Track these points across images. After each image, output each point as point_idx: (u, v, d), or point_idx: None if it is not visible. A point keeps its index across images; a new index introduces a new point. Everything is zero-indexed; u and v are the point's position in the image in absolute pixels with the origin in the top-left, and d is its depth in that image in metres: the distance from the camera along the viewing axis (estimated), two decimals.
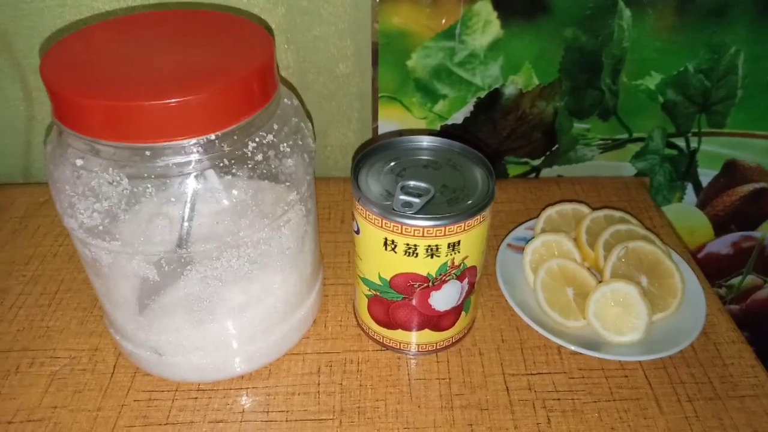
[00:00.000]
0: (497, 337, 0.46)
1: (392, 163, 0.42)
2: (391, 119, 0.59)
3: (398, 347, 0.44)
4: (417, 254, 0.38)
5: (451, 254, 0.38)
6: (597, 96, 0.58)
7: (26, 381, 0.42)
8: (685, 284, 0.46)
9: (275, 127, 0.35)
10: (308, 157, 0.38)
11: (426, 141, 0.43)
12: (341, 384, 0.42)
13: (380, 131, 0.60)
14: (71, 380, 0.42)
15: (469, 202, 0.38)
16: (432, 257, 0.38)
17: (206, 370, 0.41)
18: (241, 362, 0.41)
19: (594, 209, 0.52)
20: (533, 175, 0.64)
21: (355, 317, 0.47)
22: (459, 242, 0.38)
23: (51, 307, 0.48)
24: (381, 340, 0.45)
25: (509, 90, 0.58)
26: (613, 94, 0.58)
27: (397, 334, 0.43)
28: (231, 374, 0.42)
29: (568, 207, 0.53)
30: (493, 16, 0.53)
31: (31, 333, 0.46)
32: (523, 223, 0.54)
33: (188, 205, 0.33)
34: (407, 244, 0.38)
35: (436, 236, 0.37)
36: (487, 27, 0.54)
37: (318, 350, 0.45)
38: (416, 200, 0.38)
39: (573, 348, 0.43)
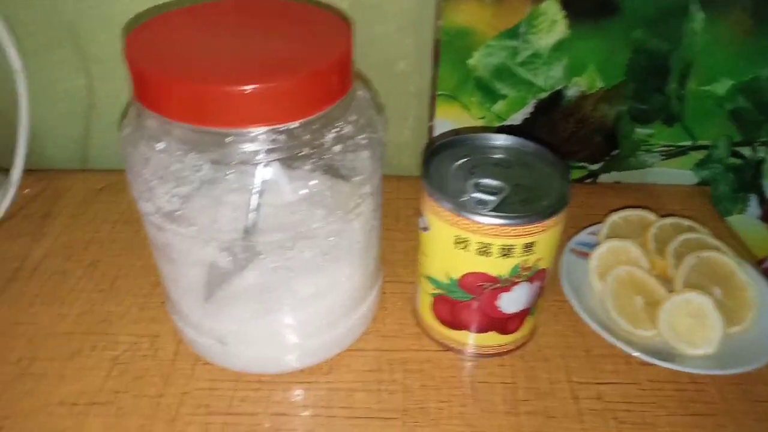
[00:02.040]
0: (562, 343, 0.45)
1: (462, 160, 0.41)
2: (447, 118, 0.58)
3: (461, 348, 0.43)
4: (490, 254, 0.37)
5: (524, 255, 0.37)
6: (662, 101, 0.57)
7: (89, 364, 0.42)
8: (761, 298, 0.44)
9: (352, 118, 0.35)
10: (380, 150, 0.37)
11: (498, 139, 0.42)
12: (403, 383, 0.42)
13: (436, 130, 0.59)
14: (133, 366, 0.42)
15: (545, 202, 0.37)
16: (505, 257, 0.37)
17: (268, 362, 0.41)
18: (303, 355, 0.41)
19: (660, 216, 0.51)
20: (590, 180, 0.63)
21: (415, 316, 0.46)
22: (534, 243, 0.37)
23: (111, 293, 0.48)
24: (443, 341, 0.44)
25: (571, 92, 0.56)
26: (680, 99, 0.57)
27: (461, 335, 0.43)
28: (292, 367, 0.41)
29: (633, 213, 0.51)
30: (560, 15, 0.52)
31: (92, 317, 0.46)
32: (585, 228, 0.53)
33: (259, 194, 0.32)
34: (480, 243, 0.37)
35: (511, 236, 0.36)
36: (553, 27, 0.53)
37: (378, 347, 0.44)
38: (491, 198, 0.38)
39: (645, 358, 0.42)
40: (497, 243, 0.37)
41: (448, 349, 0.44)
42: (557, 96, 0.56)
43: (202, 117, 0.30)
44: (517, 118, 0.58)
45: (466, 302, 0.40)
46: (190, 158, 0.31)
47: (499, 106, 0.57)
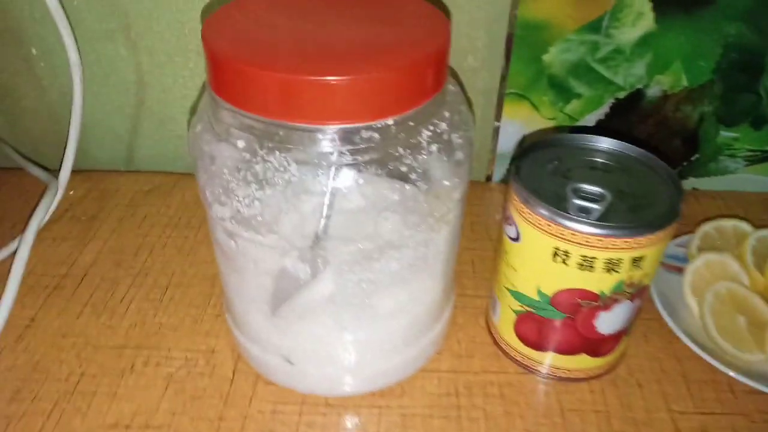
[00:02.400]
0: (656, 367, 0.41)
1: (555, 163, 0.37)
2: (515, 118, 0.54)
3: (546, 371, 0.39)
4: (593, 268, 0.33)
5: (631, 270, 0.33)
6: (752, 102, 0.52)
7: (142, 382, 0.39)
8: None
9: (446, 114, 0.31)
10: (472, 150, 0.34)
11: (595, 140, 0.38)
12: (484, 409, 0.38)
13: (502, 131, 0.55)
14: (189, 384, 0.39)
15: (654, 212, 0.33)
16: (609, 272, 0.33)
17: (338, 384, 0.37)
18: (376, 377, 0.37)
19: (757, 227, 0.46)
20: None
21: (490, 333, 0.42)
22: (643, 257, 0.33)
23: (163, 303, 0.45)
24: (525, 362, 0.40)
25: (652, 91, 0.52)
26: None
27: (546, 357, 0.39)
28: (363, 390, 0.38)
29: (727, 224, 0.47)
30: (647, 7, 0.48)
31: (144, 329, 0.43)
32: (673, 239, 0.48)
33: (343, 198, 0.29)
34: (583, 257, 0.33)
35: (619, 248, 0.32)
36: (638, 20, 0.49)
37: (453, 368, 0.40)
38: (594, 206, 0.34)
39: (754, 385, 0.37)
40: (602, 256, 0.33)
41: (530, 371, 0.40)
42: (637, 96, 0.52)
43: (289, 111, 0.27)
44: (590, 119, 0.54)
45: (558, 321, 0.36)
46: (275, 158, 0.28)
47: (573, 106, 0.53)
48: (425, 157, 0.29)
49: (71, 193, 0.55)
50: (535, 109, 0.54)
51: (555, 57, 0.51)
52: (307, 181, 0.28)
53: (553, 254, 0.34)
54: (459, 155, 0.31)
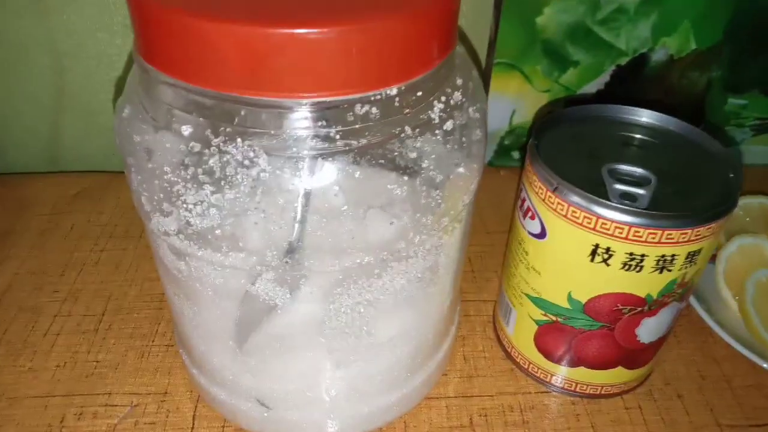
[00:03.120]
0: (694, 373, 0.35)
1: (579, 141, 0.30)
2: (505, 92, 0.48)
3: (572, 389, 0.33)
4: (641, 268, 0.27)
5: (685, 268, 0.27)
6: (763, 66, 0.47)
7: None
8: None
9: (458, 82, 0.24)
10: (487, 128, 0.27)
11: (627, 112, 0.31)
12: None
13: (490, 107, 0.48)
14: None
15: (708, 197, 0.27)
16: (661, 272, 0.27)
17: (326, 427, 0.30)
18: (372, 415, 0.30)
19: None
20: None
21: (502, 346, 0.36)
22: (699, 251, 0.27)
23: (99, 334, 0.36)
24: (548, 380, 0.33)
25: (657, 55, 0.46)
26: None
27: (576, 373, 0.32)
28: (358, 431, 0.31)
29: (753, 201, 0.42)
30: None
31: (75, 370, 0.34)
32: None
33: (312, 198, 0.21)
34: (630, 254, 0.26)
35: (675, 242, 0.26)
36: None
37: (463, 392, 0.34)
38: (639, 191, 0.27)
39: None
40: (654, 254, 0.26)
41: (554, 389, 0.34)
42: (640, 61, 0.46)
43: (255, 81, 0.19)
44: (589, 89, 0.48)
45: (592, 332, 0.30)
46: (236, 147, 0.20)
47: (569, 75, 0.47)
48: (438, 137, 0.22)
49: None
50: (527, 80, 0.47)
51: (550, 19, 0.44)
52: (282, 177, 0.20)
53: (592, 253, 0.27)
54: (477, 134, 0.24)
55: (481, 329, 0.37)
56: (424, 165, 0.22)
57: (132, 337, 0.36)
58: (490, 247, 0.43)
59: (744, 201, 0.42)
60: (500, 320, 0.36)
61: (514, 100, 0.48)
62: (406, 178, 0.22)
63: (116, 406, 0.32)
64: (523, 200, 0.30)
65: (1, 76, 0.46)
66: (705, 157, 0.30)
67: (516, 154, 0.51)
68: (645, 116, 0.31)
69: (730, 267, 0.37)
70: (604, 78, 0.47)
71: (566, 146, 0.30)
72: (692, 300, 0.37)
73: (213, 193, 0.20)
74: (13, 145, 0.50)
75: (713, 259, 0.38)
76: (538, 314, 0.31)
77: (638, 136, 0.31)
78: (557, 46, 0.45)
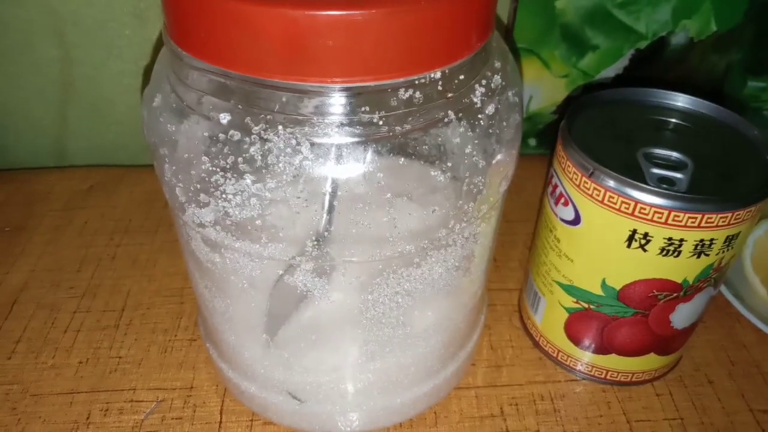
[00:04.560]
0: (723, 358, 0.35)
1: (613, 125, 0.30)
2: (523, 78, 0.47)
3: (603, 376, 0.33)
4: (679, 253, 0.26)
5: (723, 252, 0.27)
6: None
7: None
8: None
9: (497, 65, 0.23)
10: (523, 112, 0.26)
11: (659, 95, 0.31)
12: (539, 431, 0.31)
13: None
14: None
15: (747, 180, 0.27)
16: (698, 257, 0.27)
17: (359, 419, 0.29)
18: (404, 406, 0.30)
19: None
20: None
21: (530, 335, 0.35)
22: (737, 235, 0.27)
23: (120, 330, 0.36)
24: (576, 367, 0.33)
25: (677, 39, 0.46)
26: None
27: (607, 360, 0.32)
28: (389, 423, 0.30)
29: None
30: None
31: (98, 366, 0.34)
32: None
33: (357, 186, 0.21)
34: (668, 240, 0.26)
35: (715, 226, 0.26)
36: None
37: (492, 382, 0.33)
38: (677, 175, 0.27)
39: None
40: (692, 238, 0.26)
41: (583, 377, 0.33)
42: (660, 45, 0.46)
43: (297, 66, 0.18)
44: (608, 74, 0.47)
45: (626, 319, 0.30)
46: (278, 135, 0.19)
47: (588, 60, 0.46)
48: (481, 122, 0.22)
49: None
50: (545, 66, 0.46)
51: (569, 3, 0.43)
52: (325, 165, 0.19)
53: (629, 238, 0.27)
54: (516, 118, 0.24)
55: (506, 318, 0.37)
56: (466, 151, 0.21)
57: (154, 332, 0.35)
58: (512, 236, 0.43)
59: None
60: (527, 309, 0.35)
61: (531, 87, 0.48)
62: (449, 164, 0.21)
63: (142, 401, 0.32)
64: (555, 186, 0.30)
65: (6, 68, 0.45)
66: (741, 142, 0.29)
67: (533, 141, 0.50)
68: (680, 100, 0.30)
69: (758, 251, 0.37)
70: (623, 62, 0.47)
71: (598, 130, 0.29)
72: (722, 287, 0.36)
73: (254, 182, 0.19)
74: (20, 139, 0.49)
75: None
76: (570, 302, 0.31)
77: (673, 120, 0.30)
78: (576, 31, 0.45)
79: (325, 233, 0.21)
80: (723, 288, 0.36)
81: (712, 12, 0.44)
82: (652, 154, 0.28)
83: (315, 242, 0.21)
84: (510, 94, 0.23)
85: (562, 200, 0.29)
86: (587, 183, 0.27)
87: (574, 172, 0.28)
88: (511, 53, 0.25)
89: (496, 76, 0.22)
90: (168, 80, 0.22)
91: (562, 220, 0.29)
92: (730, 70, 0.48)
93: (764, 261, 0.37)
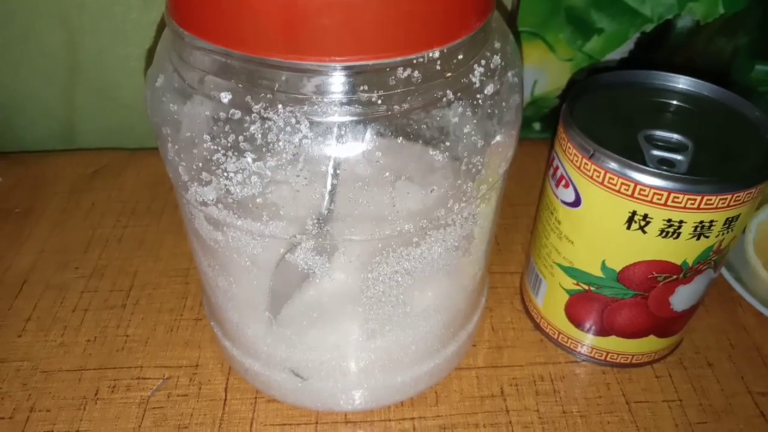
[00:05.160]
0: (723, 341, 0.35)
1: (616, 108, 0.30)
2: (528, 62, 0.47)
3: (603, 358, 0.33)
4: (678, 234, 0.27)
5: (723, 234, 0.27)
6: None
7: (111, 412, 0.31)
8: None
9: (497, 45, 0.23)
10: (523, 93, 0.26)
11: (660, 78, 0.31)
12: (538, 411, 0.31)
13: None
14: (171, 411, 0.31)
15: (749, 162, 0.27)
16: (698, 239, 0.27)
17: (361, 397, 0.30)
18: (405, 385, 0.30)
19: None
20: None
21: (531, 317, 0.36)
22: (737, 217, 0.27)
23: (127, 309, 0.36)
24: (579, 349, 0.33)
25: (683, 22, 0.45)
26: None
27: (607, 342, 0.32)
28: (390, 401, 0.31)
29: None
30: None
31: (106, 345, 0.34)
32: None
33: (358, 166, 0.21)
34: (668, 221, 0.26)
35: (714, 208, 0.26)
36: None
37: (493, 363, 0.34)
38: (677, 157, 0.27)
39: None
40: (693, 219, 0.26)
41: (584, 358, 0.34)
42: (665, 28, 0.45)
43: (297, 44, 0.18)
44: (613, 58, 0.47)
45: (626, 300, 0.30)
46: (278, 114, 0.19)
47: (593, 43, 0.46)
48: (479, 102, 0.22)
49: None
50: (550, 49, 0.46)
51: None
52: (325, 143, 0.20)
53: (629, 220, 0.27)
54: (516, 99, 0.24)
55: (508, 301, 0.37)
56: (465, 131, 0.22)
57: (160, 311, 0.36)
58: (514, 219, 0.43)
59: None
60: (528, 291, 0.35)
61: (536, 70, 0.47)
62: (447, 143, 0.21)
63: (148, 379, 0.33)
64: (556, 168, 0.30)
65: (14, 52, 0.45)
66: (743, 123, 0.29)
67: (537, 126, 0.50)
68: (681, 82, 0.30)
69: (761, 236, 0.37)
70: (629, 46, 0.46)
71: (600, 112, 0.29)
72: (723, 270, 0.36)
73: (255, 160, 0.20)
74: (28, 123, 0.50)
75: None
76: (570, 284, 0.31)
77: (674, 102, 0.30)
78: (581, 13, 0.44)
79: (326, 212, 0.21)
80: (724, 271, 0.36)
81: None
82: (653, 136, 0.28)
83: (315, 221, 0.22)
84: (510, 74, 0.23)
85: (563, 182, 0.29)
86: (588, 164, 0.27)
87: (575, 154, 0.28)
88: (512, 34, 0.25)
89: (495, 56, 0.23)
90: (170, 60, 0.22)
91: (563, 202, 0.30)
92: (737, 54, 0.47)
93: (767, 245, 0.37)
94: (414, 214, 0.22)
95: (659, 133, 0.28)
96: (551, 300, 0.33)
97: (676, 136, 0.28)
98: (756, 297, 0.35)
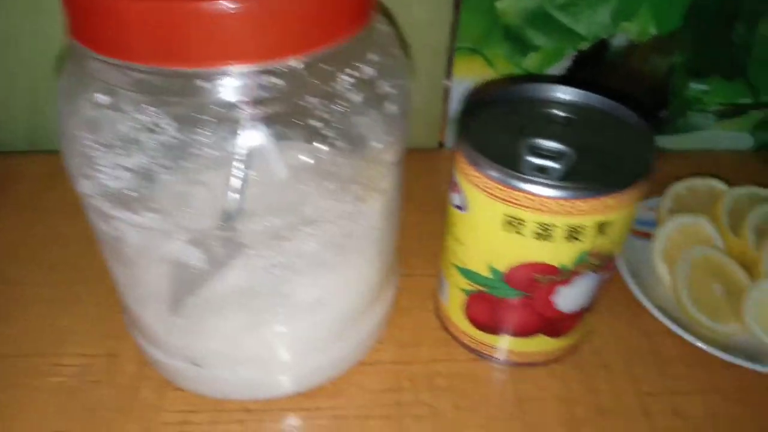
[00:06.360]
0: (623, 345, 0.36)
1: (508, 119, 0.31)
2: (468, 76, 0.49)
3: (502, 357, 0.34)
4: (551, 238, 0.28)
5: (596, 238, 0.28)
6: (725, 50, 0.48)
7: (25, 397, 0.33)
8: None
9: (373, 58, 0.25)
10: (408, 105, 0.28)
11: (554, 90, 0.32)
12: (431, 405, 0.33)
13: (453, 91, 0.49)
14: (82, 395, 0.33)
15: (623, 169, 0.28)
16: (571, 241, 0.28)
17: (258, 386, 0.31)
18: (302, 376, 0.32)
19: (732, 186, 0.42)
20: None
21: (439, 318, 0.37)
22: (608, 223, 0.28)
23: (68, 302, 0.38)
24: (477, 348, 0.35)
25: (618, 41, 0.47)
26: (745, 48, 0.48)
27: (501, 341, 0.34)
28: (287, 391, 0.32)
29: (699, 183, 0.42)
30: None
31: (34, 334, 0.36)
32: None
33: (246, 164, 0.23)
34: (541, 224, 0.28)
35: (582, 213, 0.27)
36: None
37: (396, 359, 0.35)
38: (554, 164, 0.28)
39: (728, 358, 0.33)
40: (562, 223, 0.27)
41: (484, 357, 0.35)
42: (600, 47, 0.47)
43: (159, 52, 0.20)
44: (552, 74, 0.49)
45: (513, 300, 0.31)
46: (144, 114, 0.21)
47: (531, 60, 0.48)
48: (346, 109, 0.23)
49: None
50: (489, 64, 0.48)
51: (510, 5, 0.45)
52: (192, 143, 0.22)
53: (506, 223, 0.28)
54: (391, 108, 0.25)
55: (422, 303, 0.39)
56: (330, 135, 0.23)
57: (87, 304, 0.38)
58: (435, 226, 0.44)
59: (691, 182, 0.42)
60: (438, 293, 0.37)
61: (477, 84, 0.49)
62: (314, 144, 0.23)
63: (65, 365, 0.34)
64: (452, 176, 0.31)
65: None
66: (624, 131, 0.31)
67: None
68: (568, 94, 0.32)
69: (668, 245, 0.38)
70: (566, 63, 0.48)
71: (494, 124, 0.31)
72: (626, 276, 0.38)
73: (124, 157, 0.22)
74: None
75: (650, 237, 0.39)
76: (466, 284, 0.33)
77: (562, 113, 0.32)
78: (517, 31, 0.46)
79: (234, 209, 0.23)
80: (629, 279, 0.38)
81: (650, 16, 0.46)
82: (535, 145, 0.29)
83: (191, 215, 0.23)
84: (385, 85, 0.25)
85: (454, 187, 0.31)
86: (471, 171, 0.29)
87: (462, 161, 0.29)
88: (400, 49, 0.27)
89: (368, 68, 0.24)
90: (69, 61, 0.24)
91: (455, 206, 0.31)
92: (673, 72, 0.49)
93: (675, 255, 0.38)
94: (280, 209, 0.24)
95: (542, 142, 0.29)
96: (453, 300, 0.35)
97: (556, 145, 0.29)
98: (657, 304, 0.36)
